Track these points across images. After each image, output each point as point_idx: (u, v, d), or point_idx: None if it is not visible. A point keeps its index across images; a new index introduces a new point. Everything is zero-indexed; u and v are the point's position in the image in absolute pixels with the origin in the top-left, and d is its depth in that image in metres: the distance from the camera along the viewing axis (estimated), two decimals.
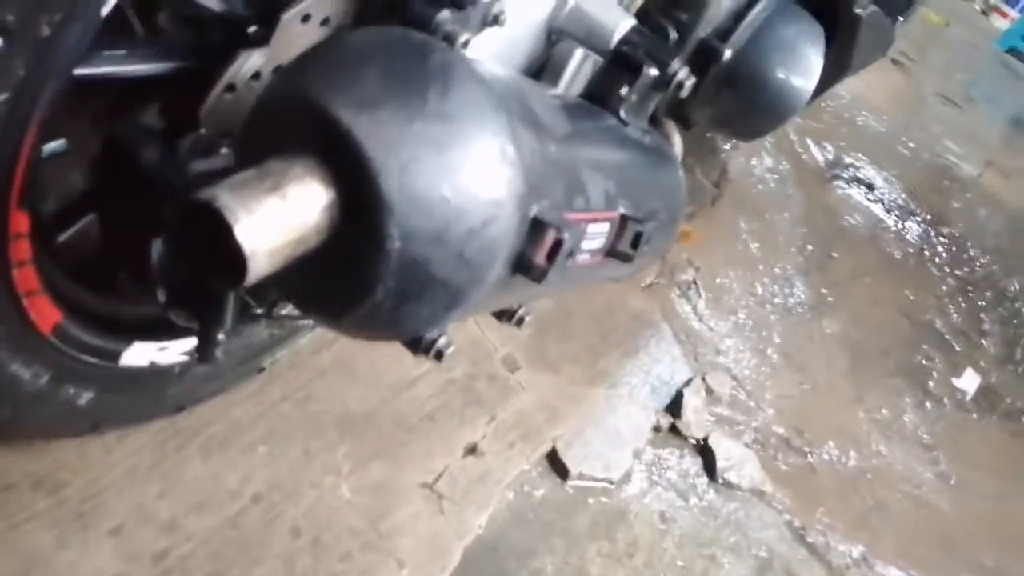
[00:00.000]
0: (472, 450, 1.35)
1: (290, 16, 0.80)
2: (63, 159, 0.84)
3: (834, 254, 2.42)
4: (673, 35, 1.21)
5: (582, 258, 0.70)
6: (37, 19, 0.59)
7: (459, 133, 0.52)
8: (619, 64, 0.91)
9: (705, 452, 1.60)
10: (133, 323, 0.96)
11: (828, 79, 1.54)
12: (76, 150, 0.84)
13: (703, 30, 1.23)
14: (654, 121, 1.38)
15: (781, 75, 1.25)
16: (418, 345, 0.82)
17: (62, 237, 0.87)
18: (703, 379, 1.71)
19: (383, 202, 0.50)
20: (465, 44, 0.83)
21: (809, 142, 2.86)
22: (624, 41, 0.95)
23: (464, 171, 0.52)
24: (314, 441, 1.24)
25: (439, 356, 0.82)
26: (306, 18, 0.82)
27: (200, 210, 0.47)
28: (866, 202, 2.79)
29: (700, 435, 1.60)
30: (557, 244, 0.58)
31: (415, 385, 1.39)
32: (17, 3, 0.56)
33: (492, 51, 0.92)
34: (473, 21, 0.85)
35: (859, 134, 3.15)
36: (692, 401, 1.62)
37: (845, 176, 2.83)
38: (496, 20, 0.88)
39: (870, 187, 2.85)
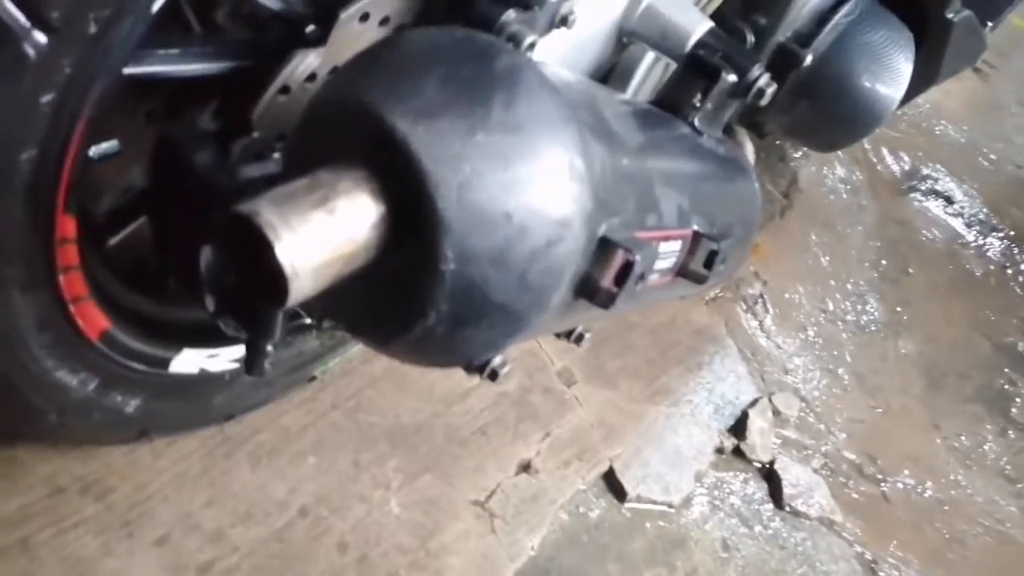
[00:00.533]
0: (526, 467, 1.30)
1: (348, 15, 0.76)
2: (115, 160, 0.82)
3: (910, 270, 2.30)
4: (750, 39, 1.15)
5: (652, 279, 0.65)
6: (84, 15, 0.56)
7: (526, 146, 0.47)
8: (694, 69, 0.85)
9: (771, 477, 1.52)
10: (184, 329, 0.94)
11: (915, 88, 1.44)
12: (129, 150, 0.82)
13: (782, 34, 1.16)
14: (726, 129, 1.31)
15: (866, 83, 1.17)
16: (471, 363, 0.77)
17: (113, 240, 0.85)
18: (770, 399, 1.63)
19: (438, 220, 0.46)
20: (531, 46, 0.78)
21: (884, 152, 2.74)
22: (700, 44, 0.89)
23: (530, 187, 0.47)
24: (364, 452, 1.20)
25: (493, 376, 0.77)
26: (365, 17, 0.78)
27: (242, 224, 0.43)
28: (944, 216, 2.65)
29: (766, 459, 1.52)
30: (627, 267, 0.53)
31: (468, 397, 1.34)
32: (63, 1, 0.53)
33: (559, 54, 0.87)
34: (540, 22, 0.80)
35: (937, 144, 3.00)
36: (758, 422, 1.54)
37: (922, 188, 2.70)
38: (564, 21, 0.83)
39: (949, 200, 2.71)
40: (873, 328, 2.03)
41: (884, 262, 2.28)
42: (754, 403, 1.58)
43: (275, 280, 0.43)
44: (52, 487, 1.00)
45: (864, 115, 1.19)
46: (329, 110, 0.51)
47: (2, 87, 0.54)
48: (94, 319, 0.79)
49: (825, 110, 1.21)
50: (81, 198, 0.74)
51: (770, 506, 1.48)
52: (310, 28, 0.79)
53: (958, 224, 2.65)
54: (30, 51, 0.54)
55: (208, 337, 0.95)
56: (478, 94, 0.48)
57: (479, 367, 0.78)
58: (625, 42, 0.95)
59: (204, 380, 0.99)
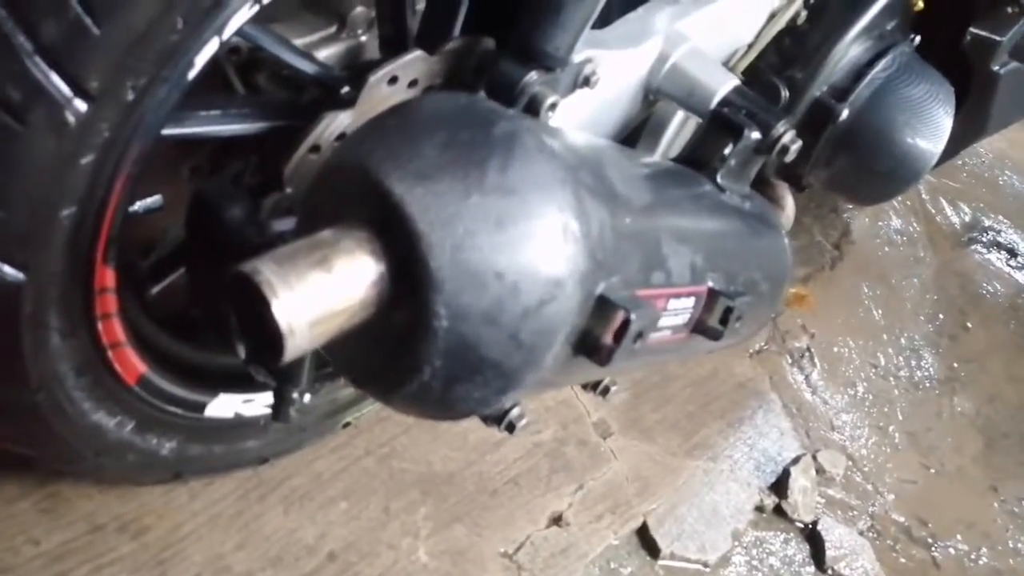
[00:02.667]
0: (557, 520, 1.29)
1: (376, 78, 0.80)
2: (158, 214, 0.86)
3: (969, 325, 2.23)
4: (785, 94, 1.15)
5: (660, 336, 0.65)
6: (121, 84, 0.60)
7: (519, 208, 0.49)
8: (718, 126, 0.86)
9: (813, 538, 1.47)
10: (220, 375, 0.97)
11: (962, 140, 1.42)
12: (173, 205, 0.87)
13: (818, 88, 1.16)
14: (764, 183, 1.31)
15: (904, 138, 1.16)
16: (489, 415, 0.78)
17: (155, 290, 0.89)
18: (814, 457, 1.59)
19: (431, 278, 0.48)
20: (552, 107, 0.80)
21: (943, 202, 2.67)
22: (725, 102, 0.90)
23: (522, 248, 0.49)
24: (395, 500, 1.21)
25: (511, 428, 0.78)
26: (393, 80, 0.81)
27: (243, 281, 0.45)
28: (1007, 269, 2.56)
29: (808, 519, 1.48)
30: (624, 325, 0.54)
31: (501, 446, 1.35)
32: (101, 69, 0.57)
33: (584, 112, 0.89)
34: (563, 83, 0.83)
35: (1000, 195, 2.92)
36: (800, 480, 1.50)
37: (983, 240, 2.62)
38: (587, 82, 0.85)
39: (1012, 252, 2.62)
40: (928, 385, 1.96)
41: (941, 316, 2.22)
42: (796, 460, 1.54)
43: (272, 336, 0.45)
44: (92, 524, 1.04)
45: (902, 170, 1.18)
46: (337, 172, 0.54)
47: (45, 150, 0.58)
48: (132, 364, 0.83)
49: (863, 164, 1.20)
50: (123, 250, 0.78)
51: (811, 568, 1.43)
52: (345, 90, 0.83)
53: (1022, 278, 2.56)
54: (71, 118, 0.58)
55: (244, 383, 0.98)
56: (474, 158, 0.50)
57: (496, 418, 0.79)
58: (652, 100, 0.97)
59: (239, 424, 1.02)
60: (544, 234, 0.50)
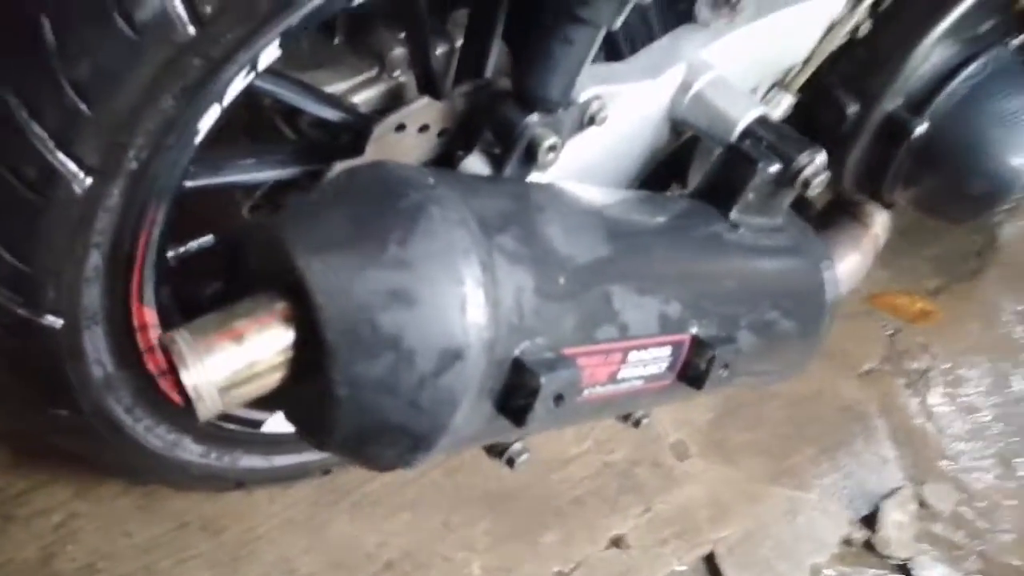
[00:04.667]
0: (617, 542, 1.29)
1: (383, 127, 0.84)
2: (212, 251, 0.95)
3: None
4: (853, 109, 1.08)
5: (620, 387, 0.65)
6: (123, 156, 0.68)
7: (413, 282, 0.51)
8: (734, 159, 0.83)
9: None
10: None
11: None
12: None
13: (891, 102, 1.08)
14: (847, 201, 1.24)
15: (992, 153, 1.05)
16: (491, 447, 0.81)
17: None
18: (917, 489, 1.47)
19: (328, 348, 0.51)
20: (552, 148, 0.81)
21: None
22: (746, 133, 0.86)
23: (415, 320, 0.51)
24: (456, 513, 1.26)
25: (511, 463, 0.81)
26: (401, 127, 0.85)
27: (163, 348, 0.51)
28: None
29: (903, 555, 1.38)
30: (534, 389, 0.54)
31: (570, 464, 1.36)
32: (99, 146, 0.65)
33: (599, 149, 0.89)
34: (566, 124, 0.83)
35: None
36: (894, 514, 1.40)
37: None
38: (593, 120, 0.85)
39: None
40: None
41: None
42: (893, 492, 1.44)
43: (186, 399, 0.50)
44: (179, 522, 1.16)
45: (993, 189, 1.07)
46: (258, 241, 0.58)
47: (63, 217, 0.68)
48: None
49: (948, 183, 1.10)
50: (179, 286, 0.88)
51: None
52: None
53: None
54: (78, 190, 0.66)
55: None
56: (374, 231, 0.52)
57: (498, 451, 0.81)
58: (679, 131, 0.95)
59: (297, 438, 1.10)
60: (440, 306, 0.52)
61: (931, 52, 1.07)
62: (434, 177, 0.56)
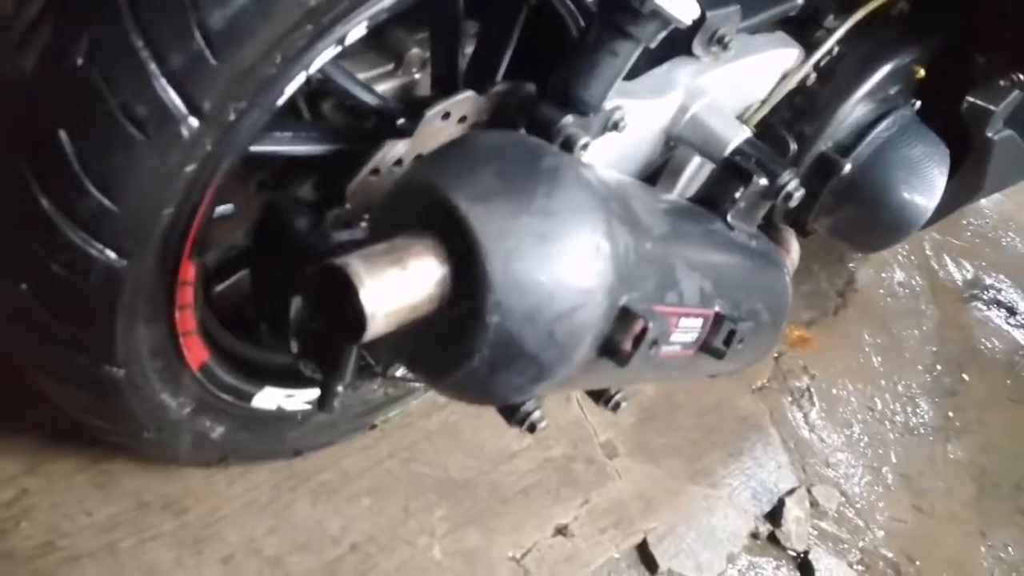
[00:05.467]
0: (562, 530, 1.38)
1: (432, 113, 0.91)
2: (230, 220, 0.97)
3: (965, 377, 2.30)
4: (793, 147, 1.26)
5: (671, 349, 0.75)
6: (227, 106, 0.71)
7: (559, 228, 0.59)
8: (730, 172, 0.97)
9: (804, 567, 1.54)
10: (267, 370, 1.07)
11: (958, 199, 1.52)
12: (241, 213, 0.98)
13: (824, 143, 1.27)
14: (772, 227, 1.41)
15: (902, 193, 1.26)
16: (513, 415, 0.88)
17: (219, 288, 0.99)
18: (808, 490, 1.67)
19: (487, 281, 0.58)
20: (585, 146, 0.91)
21: (947, 259, 2.76)
22: (737, 151, 1.00)
23: (559, 261, 0.59)
24: (414, 500, 1.30)
25: (532, 428, 0.88)
26: (446, 115, 0.92)
27: (335, 273, 0.55)
28: (1006, 326, 2.64)
29: (801, 548, 1.56)
30: (642, 332, 0.63)
31: (514, 458, 1.44)
32: (214, 93, 0.68)
33: (612, 153, 1.00)
34: (594, 126, 0.94)
35: (1003, 255, 3.00)
36: (794, 511, 1.58)
37: (984, 297, 2.71)
38: (616, 126, 0.96)
39: (1011, 311, 2.70)
40: (923, 431, 2.04)
41: (939, 367, 2.30)
42: (792, 492, 1.62)
43: (356, 320, 0.55)
44: (139, 501, 1.13)
45: (898, 222, 1.28)
46: (410, 189, 0.64)
47: (160, 158, 0.69)
48: (198, 351, 0.93)
49: (863, 214, 1.30)
50: (201, 249, 0.89)
51: None
52: (401, 121, 0.94)
53: (1020, 335, 2.63)
54: (185, 132, 0.69)
55: (288, 378, 1.08)
56: (525, 185, 0.60)
57: (520, 418, 0.88)
58: (672, 145, 1.08)
59: (280, 417, 1.11)
60: (579, 251, 0.60)
61: (856, 107, 1.27)
62: (556, 147, 0.64)
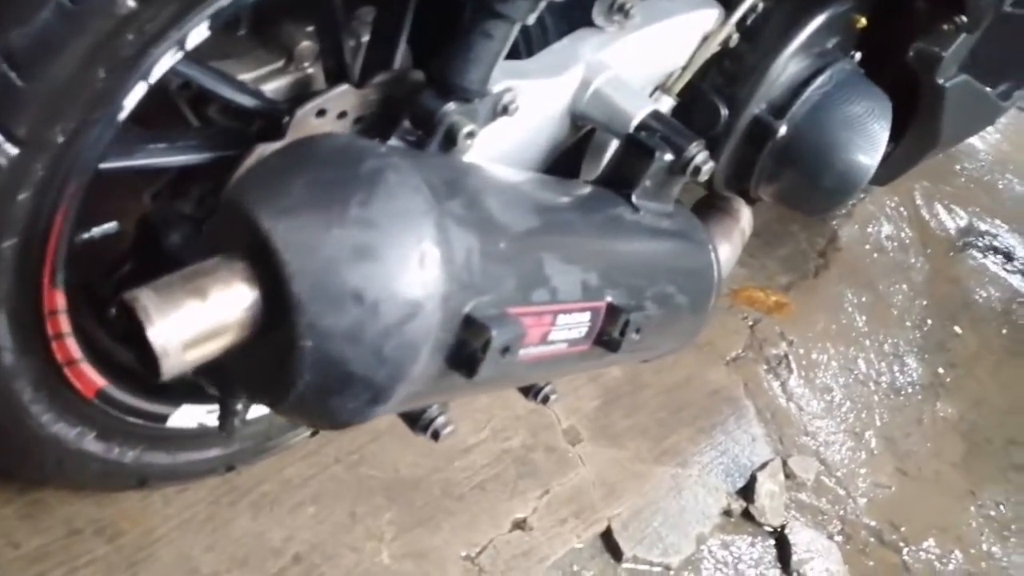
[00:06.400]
0: (520, 524, 1.34)
1: (304, 111, 0.86)
2: (115, 238, 0.93)
3: (958, 330, 2.23)
4: (724, 112, 1.20)
5: (550, 348, 0.70)
6: (50, 129, 0.67)
7: (377, 238, 0.55)
8: (633, 149, 0.91)
9: (781, 542, 1.50)
10: (181, 387, 1.04)
11: (914, 153, 1.45)
12: (129, 230, 0.94)
13: (757, 106, 1.20)
14: (718, 197, 1.35)
15: (840, 152, 1.19)
16: (416, 423, 0.84)
17: (113, 311, 0.96)
18: (784, 462, 1.62)
19: (295, 302, 0.54)
20: (470, 135, 0.86)
21: (938, 207, 2.67)
22: (642, 126, 0.95)
23: (379, 274, 0.55)
24: (361, 505, 1.27)
25: (435, 436, 0.84)
26: (321, 112, 0.88)
27: (126, 307, 0.52)
28: (1003, 273, 2.55)
29: (776, 522, 1.51)
30: (487, 341, 0.59)
31: (469, 453, 1.40)
32: (28, 118, 0.64)
33: (510, 139, 0.95)
34: (482, 113, 0.88)
35: (999, 199, 2.90)
36: (767, 485, 1.54)
37: (979, 244, 2.62)
38: (506, 110, 0.90)
39: (1008, 256, 2.61)
40: (910, 391, 1.98)
41: (930, 322, 2.23)
42: (764, 465, 1.58)
43: (150, 357, 0.51)
44: (70, 528, 1.11)
45: (840, 183, 1.22)
46: (224, 207, 0.60)
47: None
48: (89, 380, 0.90)
49: (804, 178, 1.23)
50: (80, 272, 0.85)
51: (777, 571, 1.47)
52: (285, 120, 0.90)
53: (1017, 282, 2.55)
54: (2, 160, 0.65)
55: (207, 394, 1.05)
56: (339, 194, 0.56)
57: (423, 425, 0.85)
58: (580, 125, 1.02)
59: (203, 434, 1.08)
60: (402, 261, 0.55)
61: (788, 64, 1.20)
62: (385, 147, 0.59)
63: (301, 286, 0.54)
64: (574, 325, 0.73)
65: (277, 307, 0.55)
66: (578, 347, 0.76)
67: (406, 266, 0.56)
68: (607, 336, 0.77)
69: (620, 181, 0.91)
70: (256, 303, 0.55)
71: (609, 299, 0.77)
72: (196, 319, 0.52)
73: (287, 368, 0.56)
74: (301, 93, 1.02)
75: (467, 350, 0.60)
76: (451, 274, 0.58)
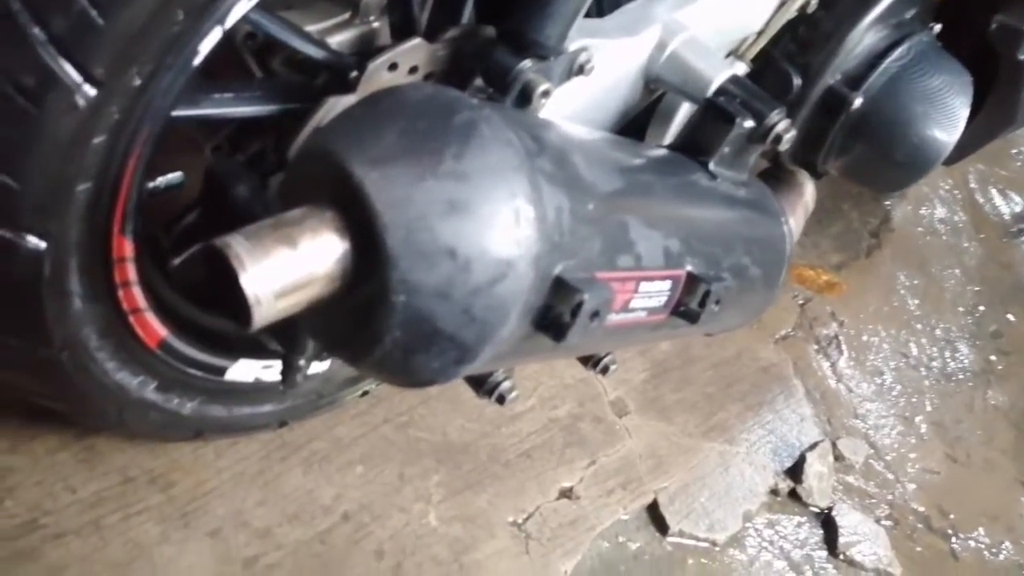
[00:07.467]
0: (567, 493, 1.33)
1: (376, 65, 0.84)
2: (179, 189, 0.92)
3: (1010, 317, 2.18)
4: (797, 81, 1.16)
5: (631, 316, 0.68)
6: (127, 71, 0.65)
7: (471, 193, 0.53)
8: (712, 115, 0.88)
9: (828, 523, 1.48)
10: (240, 342, 1.04)
11: (988, 132, 1.40)
12: (196, 181, 0.93)
13: (831, 76, 1.16)
14: (783, 169, 1.32)
15: (918, 128, 1.15)
16: (481, 386, 0.82)
17: (176, 261, 0.95)
18: (833, 444, 1.59)
19: (387, 256, 0.52)
20: (545, 94, 0.84)
21: (993, 191, 2.60)
22: (721, 91, 0.91)
23: (472, 230, 0.53)
24: (409, 466, 1.27)
25: (501, 400, 0.82)
26: (393, 66, 0.85)
27: (217, 255, 0.50)
28: None
29: (823, 504, 1.49)
30: (578, 304, 0.57)
31: (517, 420, 1.39)
32: (107, 57, 0.63)
33: (582, 99, 0.92)
34: (557, 72, 0.86)
35: None
36: (816, 466, 1.51)
37: None
38: (582, 70, 0.88)
39: None
40: (961, 377, 1.93)
41: (982, 308, 2.17)
42: (814, 446, 1.55)
43: (242, 305, 0.50)
44: (124, 476, 1.12)
45: (915, 159, 1.17)
46: (309, 157, 0.58)
47: (59, 131, 0.64)
48: (153, 329, 0.90)
49: (877, 153, 1.19)
50: (144, 223, 0.85)
51: (824, 553, 1.45)
52: (353, 74, 0.87)
53: None
54: (81, 102, 0.64)
55: (264, 350, 1.05)
56: (431, 145, 0.53)
57: (488, 389, 0.83)
58: (653, 88, 0.99)
59: (259, 388, 1.08)
60: (495, 217, 0.53)
61: (865, 34, 1.16)
62: (476, 100, 0.57)
63: (394, 239, 0.52)
64: (655, 293, 0.71)
65: (367, 259, 0.53)
66: (656, 316, 0.74)
67: (500, 223, 0.54)
68: (685, 307, 0.75)
69: (696, 147, 0.88)
70: (346, 255, 0.53)
71: (689, 268, 0.74)
72: (287, 268, 0.51)
73: (375, 323, 0.54)
74: (367, 47, 1.00)
75: (556, 313, 0.58)
76: (543, 234, 0.56)
